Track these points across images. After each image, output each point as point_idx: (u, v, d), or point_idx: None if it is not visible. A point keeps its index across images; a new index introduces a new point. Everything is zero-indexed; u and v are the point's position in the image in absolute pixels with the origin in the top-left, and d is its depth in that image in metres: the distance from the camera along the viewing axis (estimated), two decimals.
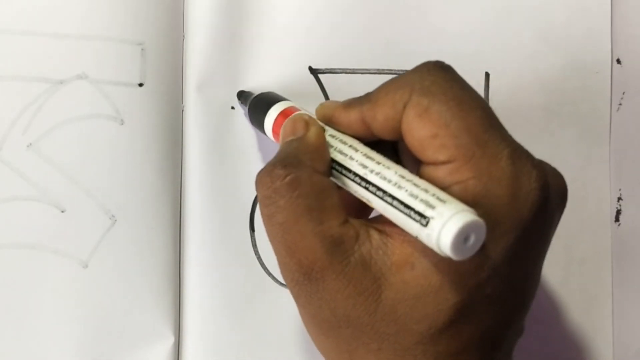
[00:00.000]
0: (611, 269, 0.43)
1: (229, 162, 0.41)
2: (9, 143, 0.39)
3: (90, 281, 0.40)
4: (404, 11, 0.41)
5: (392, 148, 0.31)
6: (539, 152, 0.32)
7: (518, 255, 0.28)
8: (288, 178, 0.29)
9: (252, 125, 0.40)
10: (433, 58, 0.40)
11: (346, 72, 0.41)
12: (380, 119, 0.30)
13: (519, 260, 0.28)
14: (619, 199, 0.43)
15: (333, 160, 0.31)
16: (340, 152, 0.30)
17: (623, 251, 0.43)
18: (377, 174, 0.29)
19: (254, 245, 0.41)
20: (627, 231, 0.42)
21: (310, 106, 0.35)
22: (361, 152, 0.30)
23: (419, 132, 0.28)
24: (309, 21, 0.41)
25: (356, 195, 0.30)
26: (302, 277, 0.29)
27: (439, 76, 0.29)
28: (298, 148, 0.31)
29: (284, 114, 0.35)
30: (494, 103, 0.42)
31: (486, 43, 0.40)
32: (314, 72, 0.41)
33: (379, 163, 0.29)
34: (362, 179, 0.29)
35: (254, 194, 0.41)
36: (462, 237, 0.25)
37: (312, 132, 0.31)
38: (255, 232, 0.41)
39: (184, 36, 0.41)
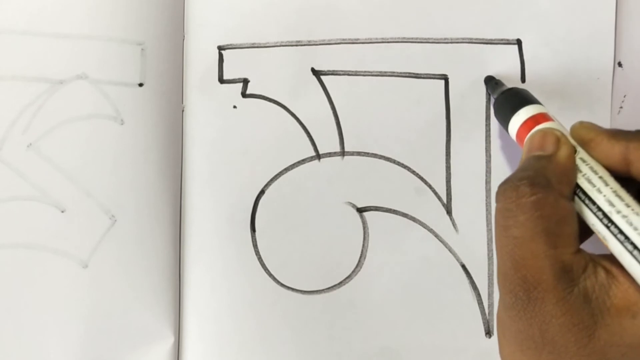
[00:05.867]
0: None
1: (230, 162, 0.41)
2: (9, 143, 0.39)
3: (90, 281, 0.40)
4: (407, 14, 0.41)
5: (637, 189, 0.30)
6: None
7: None
8: (534, 197, 0.29)
9: (495, 117, 0.38)
10: (434, 61, 0.40)
11: (349, 74, 0.41)
12: None
13: None
14: None
15: (577, 185, 0.30)
16: (588, 181, 0.30)
17: None
18: (624, 217, 0.28)
19: (255, 246, 0.41)
20: None
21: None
22: (611, 188, 0.29)
23: None
24: (311, 21, 0.41)
25: (592, 228, 0.29)
26: (521, 292, 0.29)
27: None
28: (547, 167, 0.30)
29: (534, 119, 0.34)
30: None
31: (488, 47, 0.40)
32: (317, 73, 0.41)
33: (628, 206, 0.28)
34: (605, 215, 0.29)
35: (255, 194, 0.41)
36: None
37: (563, 152, 0.31)
38: (256, 233, 0.41)
39: (184, 36, 0.41)
